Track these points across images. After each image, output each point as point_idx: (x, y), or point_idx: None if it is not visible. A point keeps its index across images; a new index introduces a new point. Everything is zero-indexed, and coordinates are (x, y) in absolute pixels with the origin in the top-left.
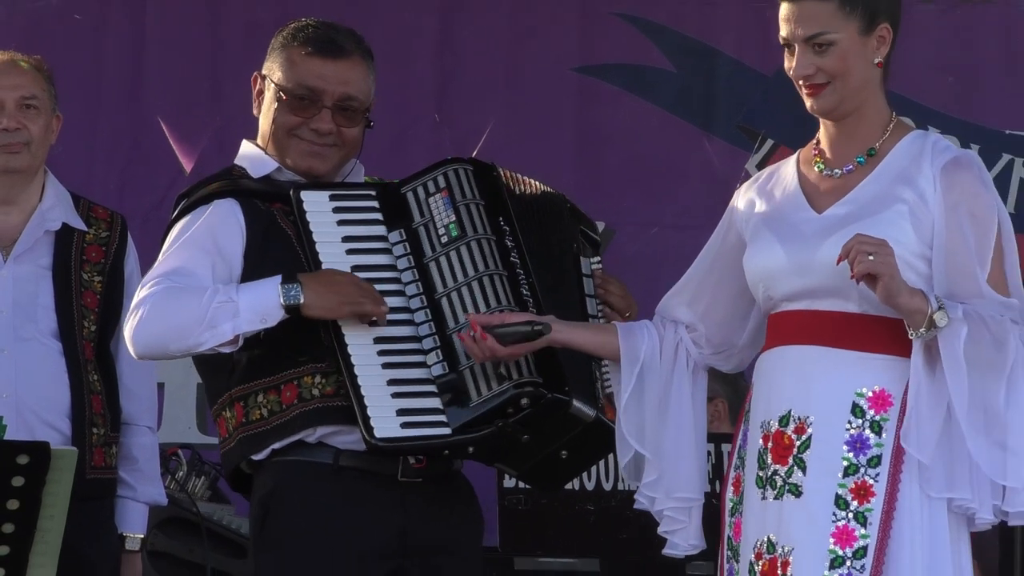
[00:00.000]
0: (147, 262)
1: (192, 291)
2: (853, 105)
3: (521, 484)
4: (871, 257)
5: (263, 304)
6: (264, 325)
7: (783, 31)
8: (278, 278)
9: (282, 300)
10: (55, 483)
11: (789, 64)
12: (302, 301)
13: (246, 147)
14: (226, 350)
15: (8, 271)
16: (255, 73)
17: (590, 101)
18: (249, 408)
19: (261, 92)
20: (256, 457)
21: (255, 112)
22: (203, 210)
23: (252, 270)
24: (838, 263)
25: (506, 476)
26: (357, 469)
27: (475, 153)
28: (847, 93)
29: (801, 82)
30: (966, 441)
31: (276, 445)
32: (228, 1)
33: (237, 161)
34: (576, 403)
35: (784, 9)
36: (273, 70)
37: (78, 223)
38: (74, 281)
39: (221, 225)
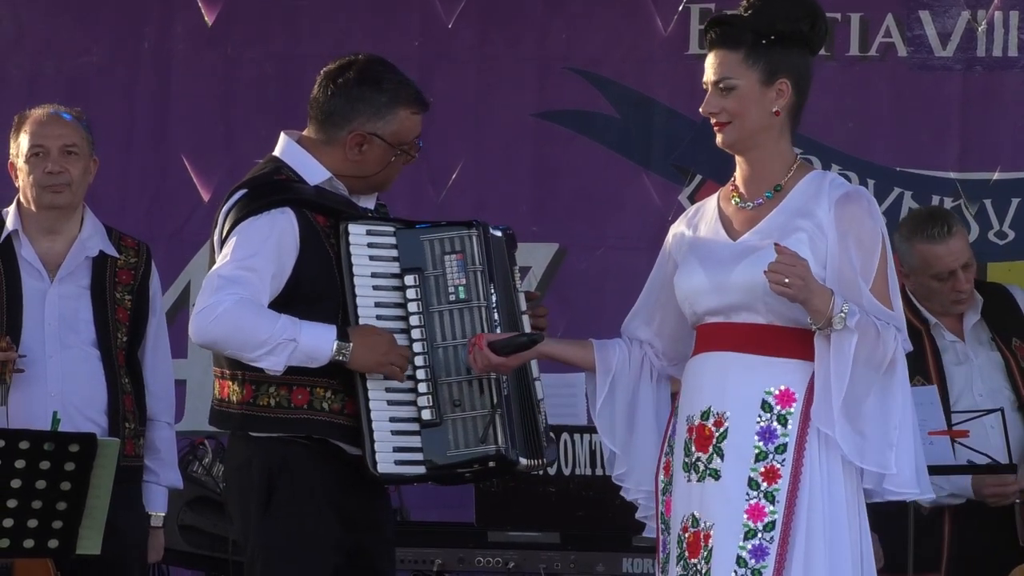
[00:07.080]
0: (169, 280)
1: (264, 315)
2: (751, 143)
3: None
4: (787, 280)
5: (317, 352)
6: (309, 365)
7: (704, 76)
8: (333, 332)
9: (334, 355)
10: (100, 467)
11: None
12: (347, 359)
13: (294, 148)
14: (270, 372)
15: (54, 290)
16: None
17: (546, 141)
18: (259, 394)
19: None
20: (253, 433)
21: (352, 158)
22: (270, 219)
23: (295, 284)
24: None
25: None
26: (335, 456)
27: (449, 183)
28: (744, 132)
29: (711, 119)
30: (834, 424)
31: (278, 434)
32: (239, 60)
33: (284, 158)
34: (522, 461)
35: (707, 58)
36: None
37: (111, 251)
38: (108, 299)
39: (283, 239)
